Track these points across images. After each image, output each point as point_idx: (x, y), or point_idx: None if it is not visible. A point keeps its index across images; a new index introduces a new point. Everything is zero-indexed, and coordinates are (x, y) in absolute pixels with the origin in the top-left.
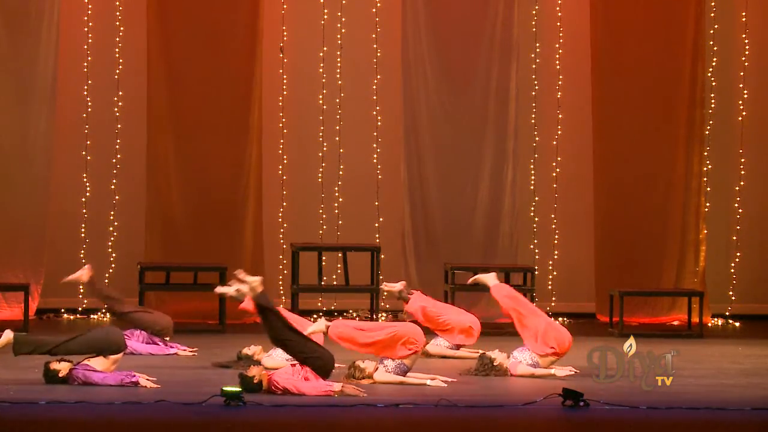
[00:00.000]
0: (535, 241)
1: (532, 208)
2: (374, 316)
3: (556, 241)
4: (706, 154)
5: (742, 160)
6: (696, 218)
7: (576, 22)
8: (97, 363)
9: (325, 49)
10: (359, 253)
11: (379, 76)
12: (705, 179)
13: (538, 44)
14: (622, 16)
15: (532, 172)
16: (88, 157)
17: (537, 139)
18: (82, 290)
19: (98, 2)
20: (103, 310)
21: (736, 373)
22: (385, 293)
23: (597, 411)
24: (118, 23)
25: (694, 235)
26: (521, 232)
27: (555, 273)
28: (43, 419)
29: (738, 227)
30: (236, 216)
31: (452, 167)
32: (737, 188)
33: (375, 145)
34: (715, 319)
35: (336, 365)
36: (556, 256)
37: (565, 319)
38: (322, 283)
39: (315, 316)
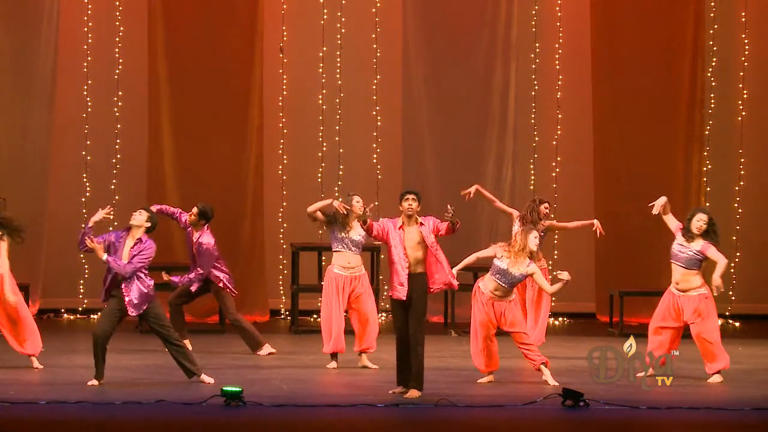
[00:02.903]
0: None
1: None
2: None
3: (555, 241)
4: (706, 154)
5: (742, 160)
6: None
7: (576, 22)
8: None
9: (325, 49)
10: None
11: (379, 76)
12: (705, 179)
13: (538, 44)
14: (622, 16)
15: (532, 172)
16: (88, 157)
17: (537, 139)
18: (82, 290)
19: (98, 2)
20: None
21: (736, 373)
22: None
23: (597, 411)
24: (118, 23)
25: None
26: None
27: (555, 273)
28: (43, 419)
29: (738, 227)
30: (236, 216)
31: (452, 167)
32: (737, 188)
33: (375, 145)
34: None
35: None
36: (556, 256)
37: (565, 319)
38: (322, 282)
39: (314, 316)
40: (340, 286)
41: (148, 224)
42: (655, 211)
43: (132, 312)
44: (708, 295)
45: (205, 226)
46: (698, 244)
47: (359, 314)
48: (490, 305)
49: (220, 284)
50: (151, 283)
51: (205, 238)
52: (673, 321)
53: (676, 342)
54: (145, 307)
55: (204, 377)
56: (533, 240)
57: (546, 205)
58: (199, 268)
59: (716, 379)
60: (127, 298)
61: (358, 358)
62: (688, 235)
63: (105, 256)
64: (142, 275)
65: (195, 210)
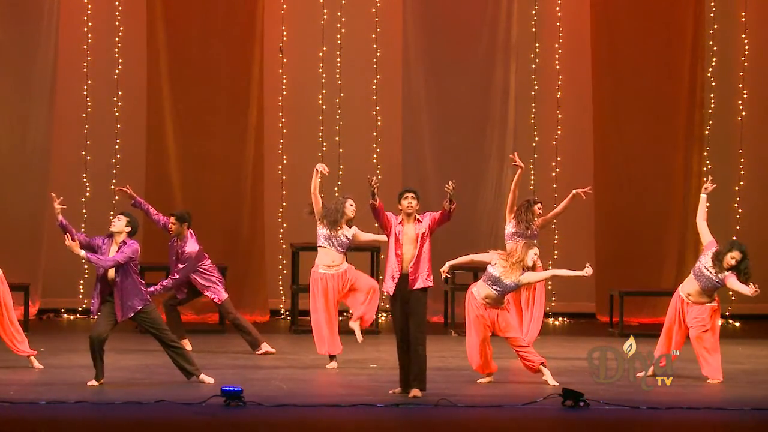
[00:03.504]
0: (535, 241)
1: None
2: (374, 317)
3: (556, 241)
4: (705, 154)
5: (742, 160)
6: (696, 218)
7: (576, 22)
8: None
9: (325, 49)
10: (359, 253)
11: (379, 76)
12: (705, 179)
13: (537, 44)
14: (622, 16)
15: (532, 172)
16: (88, 157)
17: (537, 139)
18: (82, 290)
19: (98, 2)
20: None
21: (736, 373)
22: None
23: (597, 411)
24: (117, 23)
25: (694, 235)
26: None
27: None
28: (43, 419)
29: (738, 227)
30: (236, 216)
31: (452, 167)
32: (737, 188)
33: (375, 145)
34: None
35: None
36: (556, 256)
37: (565, 319)
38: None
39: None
40: (328, 286)
41: (128, 229)
42: (706, 190)
43: (121, 316)
44: (716, 307)
45: (189, 232)
46: (723, 274)
47: (363, 290)
48: (483, 309)
49: (206, 293)
50: (143, 283)
51: (189, 247)
52: (679, 325)
53: (680, 344)
54: (138, 309)
55: (203, 377)
56: (532, 256)
57: (539, 205)
58: (175, 273)
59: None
60: (118, 302)
61: (354, 336)
62: (719, 264)
63: (83, 253)
64: (132, 276)
65: (173, 218)
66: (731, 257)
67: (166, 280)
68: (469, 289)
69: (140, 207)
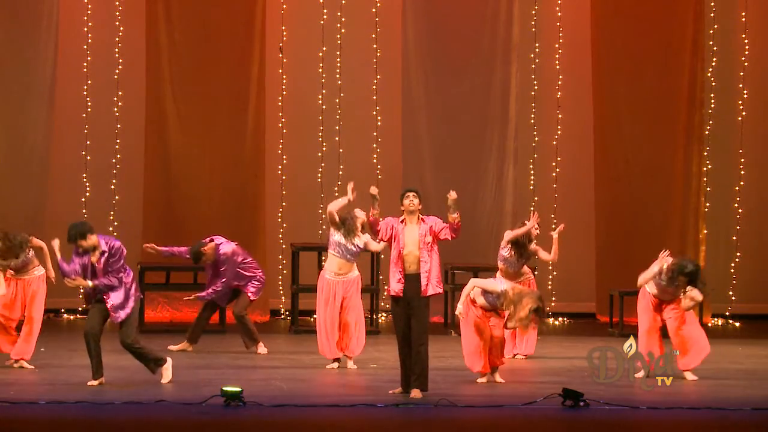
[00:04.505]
0: (535, 241)
1: (532, 208)
2: (374, 317)
3: None
4: (706, 154)
5: (742, 160)
6: (696, 218)
7: (576, 22)
8: None
9: (324, 49)
10: (360, 253)
11: (379, 76)
12: (705, 179)
13: (537, 44)
14: (622, 16)
15: (532, 172)
16: (88, 157)
17: (537, 139)
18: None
19: (98, 2)
20: None
21: (736, 373)
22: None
23: (597, 411)
24: (118, 23)
25: (693, 235)
26: None
27: (555, 273)
28: (43, 419)
29: (738, 227)
30: (236, 216)
31: (452, 167)
32: (737, 188)
33: (375, 145)
34: (715, 319)
35: None
36: None
37: (565, 319)
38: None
39: (314, 316)
40: (332, 292)
41: (94, 237)
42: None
43: (118, 316)
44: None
45: (213, 244)
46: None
47: (341, 321)
48: (482, 313)
49: (245, 290)
50: (130, 280)
51: (223, 248)
52: (659, 320)
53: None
54: (131, 308)
55: (164, 371)
56: (530, 314)
57: (535, 225)
58: (223, 278)
59: (691, 376)
60: (109, 304)
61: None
62: (672, 281)
63: (90, 283)
64: (119, 276)
65: (200, 260)
66: (684, 289)
67: (217, 285)
68: (468, 295)
69: (171, 255)
